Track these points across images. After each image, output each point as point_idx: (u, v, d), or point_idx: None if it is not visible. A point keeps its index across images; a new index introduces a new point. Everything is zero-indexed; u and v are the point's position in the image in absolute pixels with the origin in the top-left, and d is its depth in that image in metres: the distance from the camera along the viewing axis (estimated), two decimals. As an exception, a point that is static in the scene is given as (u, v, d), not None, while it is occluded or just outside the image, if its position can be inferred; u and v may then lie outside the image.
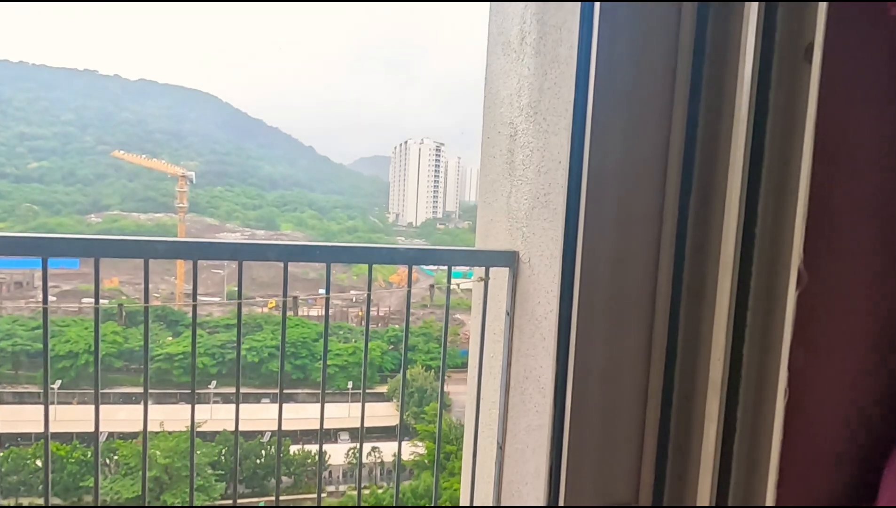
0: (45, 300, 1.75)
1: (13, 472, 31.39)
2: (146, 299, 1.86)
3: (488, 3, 2.46)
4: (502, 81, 2.31)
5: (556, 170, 1.84)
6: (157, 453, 31.19)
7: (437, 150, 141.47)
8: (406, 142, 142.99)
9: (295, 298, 1.96)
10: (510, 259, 2.11)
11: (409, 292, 2.08)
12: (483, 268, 2.20)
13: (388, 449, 36.19)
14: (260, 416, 35.87)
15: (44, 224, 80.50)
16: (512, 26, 2.23)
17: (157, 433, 32.94)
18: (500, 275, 2.23)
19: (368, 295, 2.05)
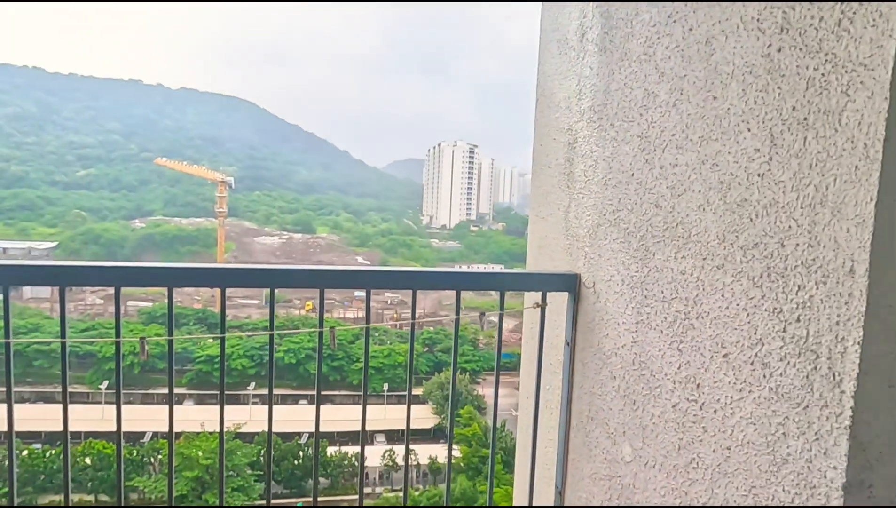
0: (62, 334, 1.61)
1: (62, 470, 32.44)
2: (170, 332, 1.69)
3: (540, 1, 2.23)
4: (558, 82, 2.08)
5: (627, 183, 1.59)
6: (199, 453, 31.78)
7: (470, 152, 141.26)
8: (440, 144, 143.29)
9: (332, 328, 1.77)
10: (570, 283, 1.87)
11: (456, 320, 1.86)
12: (538, 293, 1.96)
13: (423, 451, 36.04)
14: (297, 417, 36.25)
15: (91, 229, 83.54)
16: (570, 21, 1.99)
17: (198, 433, 33.59)
18: (556, 299, 1.99)
19: (413, 323, 1.85)
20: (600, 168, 1.76)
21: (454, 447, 34.82)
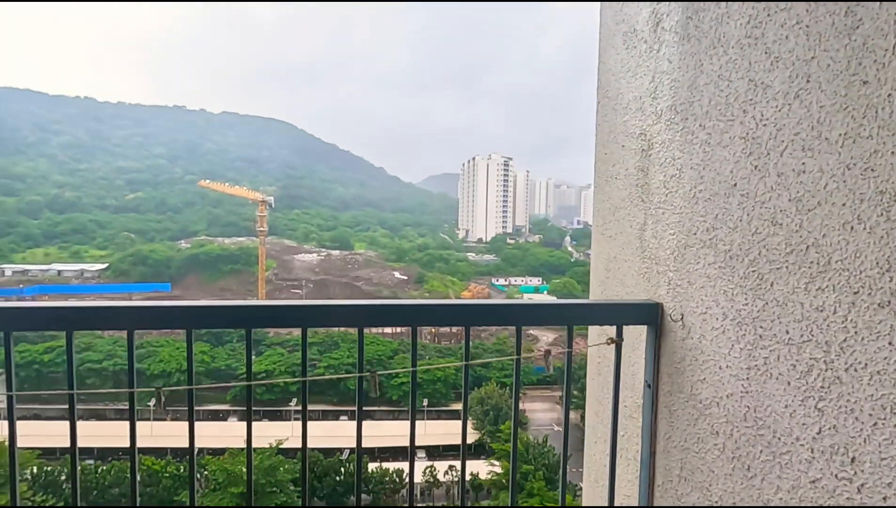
0: (70, 384, 1.41)
1: (115, 484, 33.24)
2: (190, 380, 1.48)
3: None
4: (626, 81, 1.80)
5: (727, 195, 1.31)
6: (243, 469, 32.05)
7: (505, 165, 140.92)
8: (474, 158, 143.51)
9: (373, 372, 1.53)
10: (651, 314, 1.58)
11: (517, 359, 1.59)
12: (611, 325, 1.67)
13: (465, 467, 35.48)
14: (338, 433, 36.23)
15: (139, 250, 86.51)
16: (639, 10, 1.72)
17: (241, 449, 33.93)
18: (632, 332, 1.70)
19: (466, 365, 1.58)
20: (686, 178, 1.47)
21: (495, 462, 34.16)
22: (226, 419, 45.94)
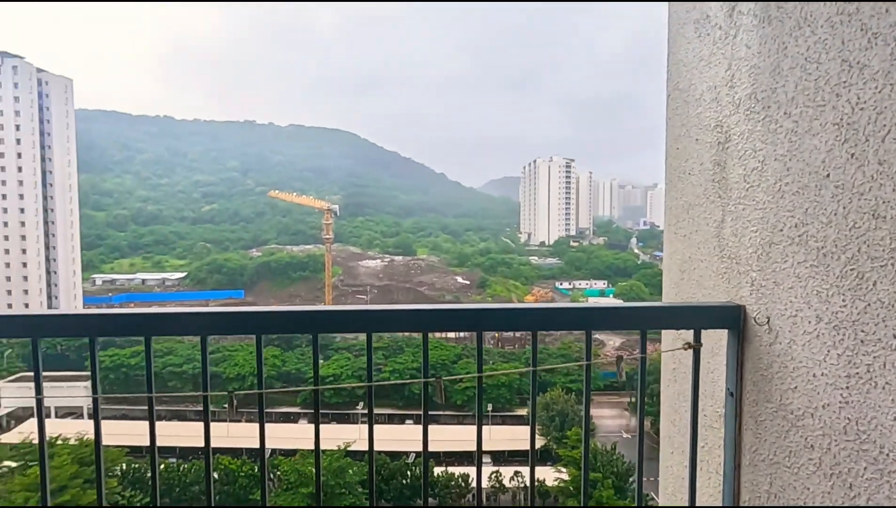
0: (149, 388, 1.47)
1: (195, 482, 35.00)
2: (260, 384, 1.51)
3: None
4: (699, 71, 1.70)
5: (818, 187, 1.20)
6: (313, 471, 32.96)
7: (566, 166, 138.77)
8: (535, 161, 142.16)
9: (438, 378, 1.51)
10: (732, 317, 1.47)
11: (588, 366, 1.53)
12: (688, 330, 1.58)
13: (528, 474, 34.97)
14: (404, 437, 36.65)
15: (215, 259, 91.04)
16: (712, -6, 1.62)
17: (311, 451, 34.93)
18: (710, 337, 1.60)
19: (533, 370, 1.53)
20: (770, 170, 1.37)
21: (562, 469, 33.50)
22: (296, 422, 47.51)
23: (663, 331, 1.79)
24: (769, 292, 1.38)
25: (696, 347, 1.54)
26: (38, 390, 1.46)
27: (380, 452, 36.12)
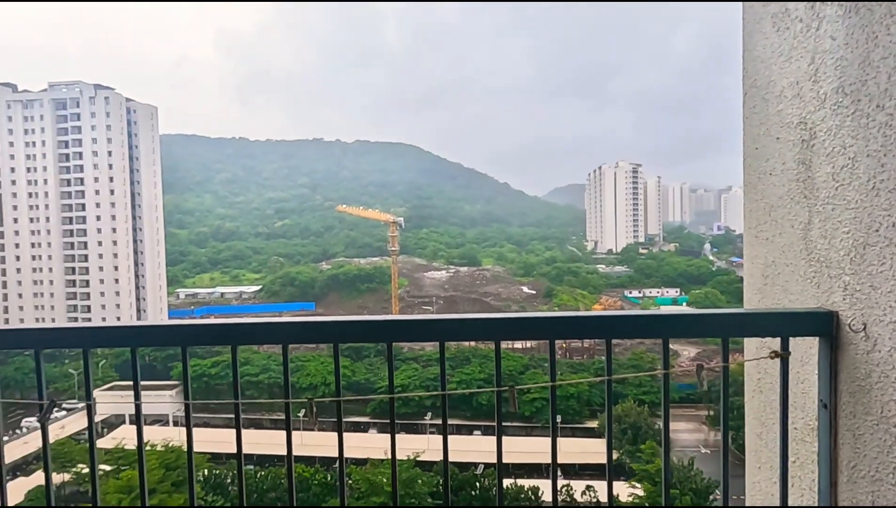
0: (235, 394, 1.55)
1: (271, 489, 36.28)
2: (338, 392, 1.56)
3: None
4: (778, 66, 1.63)
5: (919, 184, 1.12)
6: (384, 480, 33.37)
7: (633, 172, 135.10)
8: (600, 167, 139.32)
9: (511, 387, 1.50)
10: (824, 324, 1.39)
11: (666, 375, 1.48)
12: (775, 338, 1.50)
13: (603, 488, 33.89)
14: (472, 448, 36.50)
15: (287, 273, 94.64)
16: (790, -14, 1.55)
17: (382, 460, 35.40)
18: (800, 345, 1.51)
19: (609, 380, 1.50)
20: (863, 168, 1.29)
21: (637, 484, 32.27)
22: (366, 431, 48.38)
23: (746, 340, 1.71)
24: (865, 296, 1.29)
25: (783, 356, 1.46)
26: (137, 396, 1.57)
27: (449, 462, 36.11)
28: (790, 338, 1.47)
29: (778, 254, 1.66)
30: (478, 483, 35.96)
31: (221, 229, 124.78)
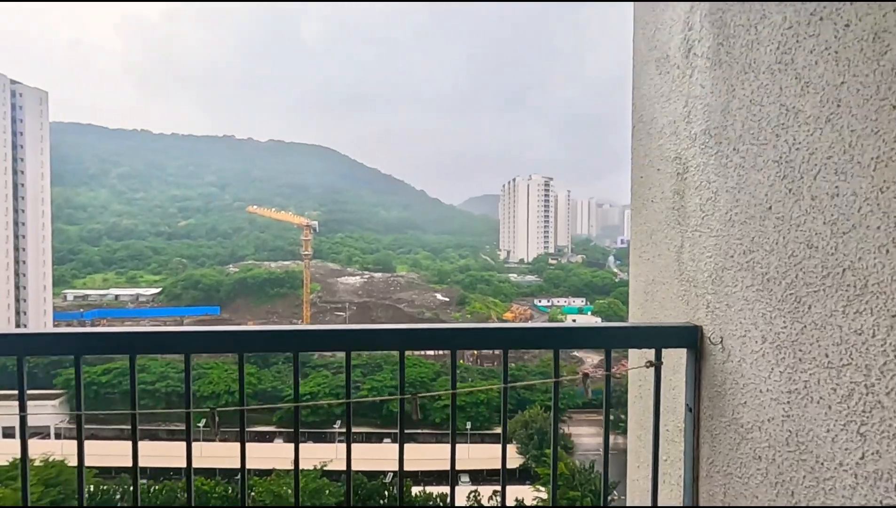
0: (133, 405, 1.51)
1: (167, 504, 34.08)
2: (242, 401, 1.56)
3: (632, 12, 2.01)
4: (660, 105, 1.83)
5: (763, 218, 1.31)
6: (289, 491, 32.33)
7: (545, 185, 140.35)
8: (514, 179, 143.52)
9: (414, 395, 1.58)
10: (690, 338, 1.58)
11: (555, 384, 1.61)
12: (646, 349, 1.68)
13: (509, 493, 34.72)
14: (382, 456, 36.21)
15: (191, 275, 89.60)
16: (671, 36, 1.75)
17: (287, 470, 34.33)
18: (671, 356, 1.70)
19: (505, 387, 1.61)
20: (722, 201, 1.48)
21: (541, 488, 33.38)
22: (272, 441, 46.65)
23: (630, 350, 1.89)
24: (722, 313, 1.48)
25: (657, 365, 1.64)
26: (23, 407, 1.49)
27: (357, 471, 35.67)
28: (663, 349, 1.65)
29: (657, 273, 1.86)
30: (386, 492, 35.73)
31: (118, 226, 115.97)
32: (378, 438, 46.78)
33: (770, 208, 1.29)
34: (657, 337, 1.65)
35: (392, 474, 37.02)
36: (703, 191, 1.57)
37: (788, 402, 1.22)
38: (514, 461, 39.81)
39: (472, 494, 35.41)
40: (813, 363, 1.15)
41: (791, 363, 1.21)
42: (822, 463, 1.12)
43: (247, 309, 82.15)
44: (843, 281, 1.07)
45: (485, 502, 35.45)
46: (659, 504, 1.68)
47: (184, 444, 1.65)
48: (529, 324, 1.72)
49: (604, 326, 1.66)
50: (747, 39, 1.37)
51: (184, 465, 1.65)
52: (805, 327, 1.17)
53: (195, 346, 1.54)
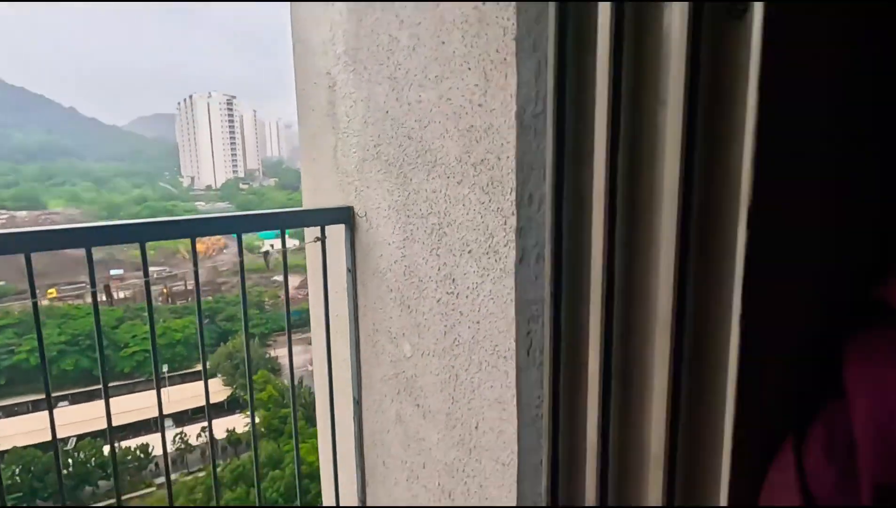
0: None
1: None
2: None
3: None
4: (313, 28, 2.18)
5: (383, 121, 1.81)
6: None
7: (228, 103, 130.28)
8: (191, 96, 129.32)
9: (146, 282, 1.70)
10: (345, 215, 2.06)
11: (241, 262, 1.93)
12: (316, 227, 2.13)
13: (219, 426, 34.11)
14: (58, 422, 31.30)
15: None
16: (316, -33, 2.09)
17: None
18: (335, 232, 2.17)
19: (196, 272, 1.86)
20: (359, 108, 1.94)
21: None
22: None
23: (305, 231, 2.29)
24: (365, 194, 1.99)
25: (322, 239, 2.10)
26: None
27: (26, 446, 30.30)
28: (327, 226, 2.10)
29: (320, 171, 2.28)
30: (70, 459, 31.36)
31: None
32: (54, 402, 39.87)
33: (387, 112, 1.79)
34: (322, 217, 2.09)
35: (76, 438, 32.54)
36: (346, 101, 2.02)
37: (404, 247, 1.79)
38: (222, 393, 38.86)
39: (178, 436, 33.72)
40: (414, 216, 1.72)
41: (403, 220, 1.77)
42: (421, 280, 1.72)
43: None
44: (426, 159, 1.63)
45: (193, 441, 34.23)
46: (330, 336, 2.20)
47: None
48: (212, 215, 1.97)
49: (280, 211, 2.03)
50: (367, -19, 1.80)
51: None
52: (409, 193, 1.73)
53: None
